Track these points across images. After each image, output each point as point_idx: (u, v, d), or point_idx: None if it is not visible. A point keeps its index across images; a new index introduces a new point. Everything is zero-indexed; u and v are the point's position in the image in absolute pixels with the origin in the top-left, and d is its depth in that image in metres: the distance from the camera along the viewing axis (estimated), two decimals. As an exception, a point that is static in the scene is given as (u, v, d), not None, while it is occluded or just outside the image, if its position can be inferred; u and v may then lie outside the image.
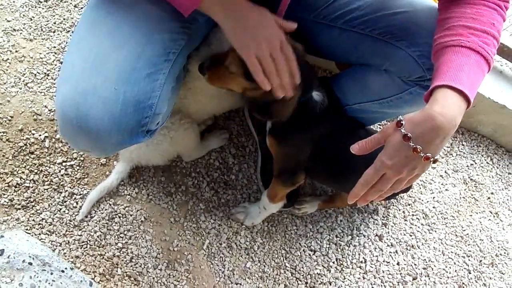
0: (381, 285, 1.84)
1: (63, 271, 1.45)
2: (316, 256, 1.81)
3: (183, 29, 1.29)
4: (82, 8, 1.90)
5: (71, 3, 1.89)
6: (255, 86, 1.26)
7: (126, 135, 1.22)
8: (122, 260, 1.61)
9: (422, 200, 2.01)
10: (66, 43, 1.82)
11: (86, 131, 1.17)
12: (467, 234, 2.01)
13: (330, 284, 1.79)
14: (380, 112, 1.57)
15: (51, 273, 1.44)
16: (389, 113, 1.60)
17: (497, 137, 2.21)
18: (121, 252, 1.62)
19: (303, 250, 1.81)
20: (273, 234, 1.80)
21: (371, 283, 1.83)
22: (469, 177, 2.13)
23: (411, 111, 1.11)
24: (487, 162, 2.20)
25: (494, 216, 2.09)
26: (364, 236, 1.89)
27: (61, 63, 1.79)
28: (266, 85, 1.23)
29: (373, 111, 1.56)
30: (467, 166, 2.15)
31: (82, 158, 1.69)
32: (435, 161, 1.12)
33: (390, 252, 1.90)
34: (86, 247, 1.60)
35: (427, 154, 1.08)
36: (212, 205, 1.78)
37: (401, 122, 1.11)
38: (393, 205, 1.98)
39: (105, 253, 1.61)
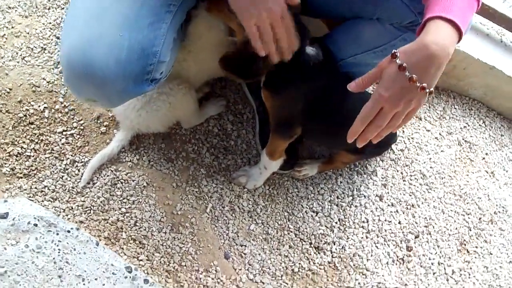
0: (384, 244, 1.85)
1: (68, 231, 1.45)
2: (319, 217, 1.83)
3: None
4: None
5: (64, -20, 1.92)
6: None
7: (131, 82, 1.24)
8: (126, 224, 1.62)
9: (419, 161, 2.04)
10: (62, 19, 1.84)
11: (92, 77, 1.19)
12: (465, 192, 2.04)
13: (334, 244, 1.80)
14: (375, 63, 1.59)
15: (57, 234, 1.44)
16: None
17: (488, 100, 2.25)
18: (125, 216, 1.62)
19: (305, 212, 1.82)
20: (275, 197, 1.82)
21: (374, 242, 1.85)
22: (463, 139, 2.16)
23: None
24: (479, 125, 2.23)
25: (490, 176, 2.12)
26: (364, 196, 1.91)
27: (58, 38, 1.80)
28: (261, 51, 1.25)
29: (367, 63, 1.59)
30: (461, 128, 2.19)
31: (82, 127, 1.70)
32: (430, 93, 1.14)
33: (391, 211, 1.92)
34: (90, 212, 1.61)
35: (423, 84, 1.11)
36: (213, 170, 1.80)
37: (396, 53, 1.13)
38: (391, 167, 2.00)
39: (109, 217, 1.61)
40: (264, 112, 1.79)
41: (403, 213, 1.93)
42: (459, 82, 2.19)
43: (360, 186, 1.93)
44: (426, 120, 2.14)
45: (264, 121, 1.85)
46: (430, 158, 2.06)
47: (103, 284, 1.43)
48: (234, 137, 1.87)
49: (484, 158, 2.15)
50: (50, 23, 1.82)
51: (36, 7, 1.84)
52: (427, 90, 1.12)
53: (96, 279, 1.42)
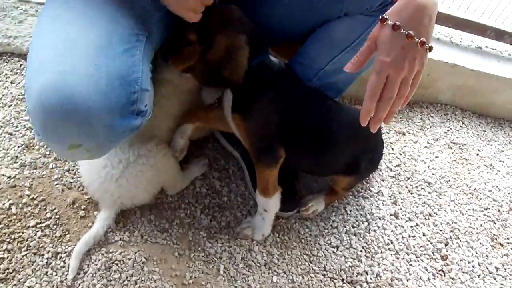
0: (418, 260, 1.67)
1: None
2: (341, 251, 1.63)
3: (141, 21, 1.24)
4: (19, 83, 1.80)
5: (6, 81, 1.78)
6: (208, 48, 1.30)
7: (117, 115, 1.09)
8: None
9: (419, 171, 1.94)
10: (11, 115, 1.68)
11: (73, 114, 1.02)
12: (475, 189, 1.94)
13: (367, 273, 1.60)
14: None
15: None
16: None
17: (458, 101, 2.25)
18: (132, 300, 1.37)
19: (325, 249, 1.63)
20: (288, 242, 1.62)
21: (407, 261, 1.66)
22: (451, 142, 2.10)
23: None
24: (460, 126, 2.20)
25: (490, 168, 2.05)
26: (379, 218, 1.75)
27: (11, 134, 1.63)
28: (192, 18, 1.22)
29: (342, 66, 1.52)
30: (444, 133, 2.14)
31: (57, 216, 1.48)
32: (430, 49, 1.10)
33: (411, 226, 1.76)
34: (89, 304, 1.34)
35: (422, 39, 1.07)
36: (213, 231, 1.59)
37: (385, 17, 1.09)
38: (394, 184, 1.87)
39: (113, 305, 1.35)
40: (249, 158, 1.67)
41: (424, 225, 1.78)
42: (427, 91, 2.18)
43: (371, 209, 1.77)
44: (409, 133, 2.08)
45: (252, 166, 1.71)
46: (428, 166, 1.97)
47: None
48: (225, 193, 1.70)
49: (478, 154, 2.09)
50: (-1, 121, 1.66)
51: (-21, 109, 1.69)
52: (427, 46, 1.08)
53: None
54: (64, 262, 1.40)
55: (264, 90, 1.40)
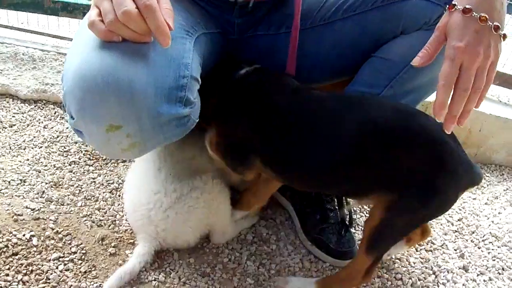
0: (499, 317, 1.42)
1: None
2: (404, 307, 1.40)
3: (192, 24, 1.20)
4: (52, 127, 1.71)
5: (39, 125, 1.70)
6: None
7: (163, 99, 0.98)
8: None
9: (483, 226, 1.73)
10: (41, 155, 1.57)
11: (115, 89, 0.92)
12: (550, 244, 1.71)
13: (443, 331, 1.34)
14: (417, 82, 1.40)
15: None
16: (426, 79, 1.43)
17: (513, 161, 2.10)
18: None
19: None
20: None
21: (487, 318, 1.41)
22: (512, 199, 1.92)
23: None
24: (519, 185, 2.02)
25: (562, 225, 1.83)
26: (447, 271, 1.52)
27: (39, 171, 1.51)
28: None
29: (408, 87, 1.40)
30: (504, 190, 1.95)
31: (83, 251, 1.29)
32: (504, 37, 1.03)
33: (484, 280, 1.52)
34: None
35: (495, 23, 0.99)
36: (262, 278, 1.37)
37: (453, 3, 1.03)
38: (458, 238, 1.66)
39: None
40: (300, 201, 1.52)
41: (498, 279, 1.53)
42: (479, 149, 2.04)
43: (436, 261, 1.55)
44: (466, 192, 1.90)
45: (302, 213, 1.54)
46: (493, 221, 1.76)
47: None
48: (273, 241, 1.50)
49: (544, 211, 1.89)
50: (27, 159, 1.55)
51: (10, 148, 1.58)
52: (501, 33, 1.00)
53: None
54: (89, 300, 1.19)
55: (235, 99, 1.26)
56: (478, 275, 1.54)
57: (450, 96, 0.98)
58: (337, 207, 1.53)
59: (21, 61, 1.93)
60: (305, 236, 1.51)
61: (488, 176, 2.03)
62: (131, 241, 1.36)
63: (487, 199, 1.89)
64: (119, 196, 1.50)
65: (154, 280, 1.27)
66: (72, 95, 0.95)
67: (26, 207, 1.37)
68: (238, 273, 1.36)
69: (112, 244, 1.34)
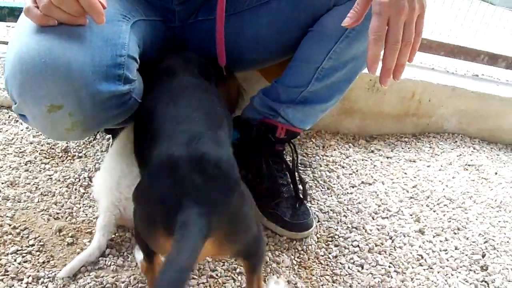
0: (455, 273, 1.46)
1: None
2: (367, 269, 1.43)
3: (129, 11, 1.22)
4: (6, 131, 1.71)
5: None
6: None
7: (101, 76, 1.00)
8: (132, 330, 1.13)
9: (438, 191, 1.79)
10: None
11: (53, 69, 0.94)
12: (501, 202, 1.78)
13: (401, 288, 1.39)
14: (354, 52, 1.44)
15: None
16: (363, 49, 1.46)
17: (465, 128, 2.16)
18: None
19: (349, 267, 1.43)
20: (306, 263, 1.42)
21: (443, 274, 1.45)
22: (466, 164, 1.98)
23: None
24: (472, 151, 2.09)
25: (513, 185, 1.90)
26: (404, 235, 1.57)
27: None
28: None
29: (346, 57, 1.44)
30: (457, 156, 2.02)
31: (41, 243, 1.30)
32: None
33: (440, 240, 1.57)
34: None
35: None
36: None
37: None
38: (413, 204, 1.71)
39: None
40: (253, 180, 1.55)
41: (454, 239, 1.59)
42: (431, 119, 2.10)
43: (393, 227, 1.60)
44: (420, 160, 1.96)
45: (256, 189, 1.57)
46: (447, 185, 1.82)
47: None
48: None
49: (497, 173, 1.96)
50: (-19, 162, 1.55)
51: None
52: None
53: None
54: (47, 287, 1.20)
55: None
56: (434, 236, 1.59)
57: (383, 51, 1.02)
58: (290, 181, 1.57)
59: (-30, 66, 1.93)
60: (260, 212, 1.54)
61: (441, 144, 2.09)
62: (89, 230, 1.38)
63: (441, 166, 1.95)
64: (76, 190, 1.51)
65: (113, 264, 1.29)
66: (13, 79, 0.96)
67: (-21, 206, 1.38)
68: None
69: (70, 235, 1.35)
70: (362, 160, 1.91)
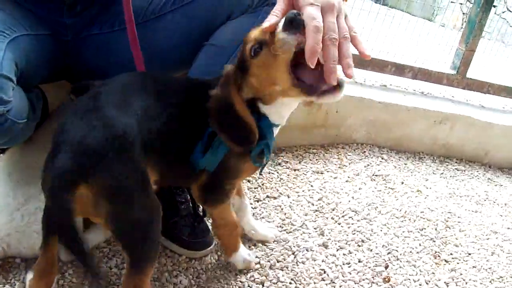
0: (357, 286, 1.45)
1: None
2: (267, 287, 1.39)
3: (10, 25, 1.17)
4: None
5: None
6: None
7: None
8: None
9: (343, 203, 1.78)
10: None
11: None
12: (406, 211, 1.79)
13: (301, 306, 1.35)
14: None
15: None
16: None
17: (374, 138, 2.19)
18: None
19: (249, 285, 1.38)
20: (204, 284, 1.37)
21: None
22: (373, 174, 1.99)
23: None
24: (380, 161, 2.11)
25: (418, 193, 1.94)
26: (306, 250, 1.54)
27: None
28: None
29: None
30: (364, 167, 2.03)
31: None
32: None
33: (343, 254, 1.56)
34: None
35: None
36: (115, 277, 1.32)
37: None
38: (318, 216, 1.70)
39: None
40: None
41: (358, 251, 1.58)
42: (339, 130, 2.11)
43: (296, 241, 1.57)
44: (327, 171, 1.96)
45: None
46: (353, 197, 1.82)
47: None
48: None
49: (403, 183, 1.98)
50: None
51: None
52: None
53: None
54: None
55: None
56: (337, 249, 1.58)
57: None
58: (189, 198, 1.51)
59: None
60: None
61: (350, 155, 2.10)
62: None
63: (348, 177, 1.95)
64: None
65: (-7, 292, 1.19)
66: None
67: None
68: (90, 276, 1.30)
69: None
70: (269, 173, 1.88)
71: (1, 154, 1.44)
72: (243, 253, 1.42)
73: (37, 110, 1.30)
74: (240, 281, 1.39)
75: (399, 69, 2.23)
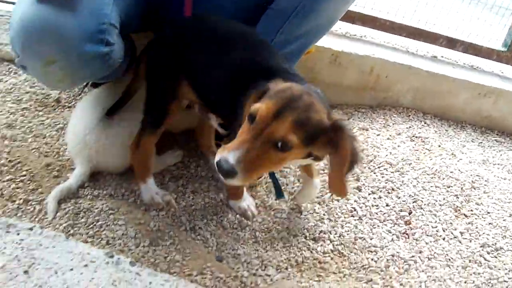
0: (381, 225, 1.72)
1: (31, 229, 1.25)
2: (304, 215, 1.69)
3: None
4: (7, 81, 1.97)
5: None
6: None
7: (87, 39, 1.28)
8: (97, 245, 1.40)
9: (381, 156, 2.04)
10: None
11: (48, 32, 1.23)
12: (437, 170, 2.02)
13: (331, 233, 1.64)
14: (304, 28, 1.67)
15: (18, 234, 1.24)
16: (313, 25, 1.68)
17: (419, 104, 2.39)
18: (94, 238, 1.42)
19: (288, 213, 1.69)
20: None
21: (370, 225, 1.71)
22: (413, 136, 2.22)
23: None
24: (422, 125, 2.33)
25: (452, 156, 2.14)
26: (343, 190, 1.82)
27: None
28: None
29: (297, 33, 1.67)
30: (406, 128, 2.26)
31: (32, 175, 1.57)
32: None
33: (374, 198, 1.83)
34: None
35: None
36: (180, 194, 1.66)
37: None
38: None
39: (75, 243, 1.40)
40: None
41: (387, 197, 1.84)
42: (387, 94, 2.33)
43: (335, 183, 1.85)
44: (372, 129, 2.21)
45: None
46: (390, 152, 2.07)
47: (81, 273, 1.19)
48: (193, 167, 1.80)
49: (440, 146, 2.20)
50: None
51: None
52: None
53: (71, 269, 1.18)
54: (34, 208, 1.47)
55: None
56: (369, 194, 1.85)
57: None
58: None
59: (-24, 24, 2.17)
60: None
61: (395, 117, 2.33)
62: (72, 167, 1.64)
63: (390, 135, 2.19)
64: (64, 134, 1.77)
65: (89, 194, 1.56)
66: (17, 37, 1.25)
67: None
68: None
69: (56, 169, 1.62)
70: (320, 126, 2.15)
71: (94, 89, 1.79)
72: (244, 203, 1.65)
73: (129, 54, 1.63)
74: (282, 208, 1.70)
75: (450, 42, 2.39)
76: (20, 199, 1.48)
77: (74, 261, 1.21)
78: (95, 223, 1.46)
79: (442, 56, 2.49)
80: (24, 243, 1.21)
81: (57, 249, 1.22)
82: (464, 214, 1.85)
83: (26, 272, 1.15)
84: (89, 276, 1.20)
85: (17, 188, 1.52)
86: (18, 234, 1.23)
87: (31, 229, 1.25)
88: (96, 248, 1.30)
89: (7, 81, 1.98)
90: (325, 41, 2.14)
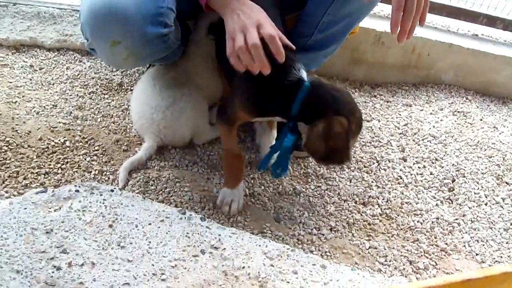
0: (426, 191, 1.82)
1: (112, 191, 1.41)
2: (354, 182, 1.81)
3: None
4: (73, 68, 2.16)
5: (63, 67, 2.14)
6: None
7: (148, 22, 1.41)
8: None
9: (424, 129, 2.13)
10: (66, 88, 2.01)
11: (114, 17, 1.35)
12: (479, 142, 2.10)
13: (378, 198, 1.76)
14: (348, 9, 1.78)
15: (101, 194, 1.41)
16: (356, 6, 1.78)
17: (461, 81, 2.46)
18: (164, 202, 1.57)
19: (339, 180, 1.81)
20: (306, 176, 1.81)
21: (415, 191, 1.82)
22: (455, 111, 2.30)
23: None
24: (464, 101, 2.40)
25: (494, 129, 2.22)
26: (389, 161, 1.93)
27: (66, 99, 1.95)
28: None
29: (342, 13, 1.78)
30: (449, 104, 2.34)
31: (104, 149, 1.74)
32: None
33: (419, 167, 1.93)
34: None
35: None
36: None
37: None
38: (402, 138, 2.07)
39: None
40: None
41: (431, 166, 1.94)
42: (430, 71, 2.41)
43: (381, 154, 1.96)
44: (415, 105, 2.30)
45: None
46: (433, 126, 2.16)
47: (158, 227, 1.34)
48: (249, 140, 1.93)
49: (482, 119, 2.27)
50: (56, 92, 1.98)
51: (42, 84, 2.02)
52: None
53: (150, 223, 1.34)
54: (108, 178, 1.64)
55: None
56: (414, 163, 1.95)
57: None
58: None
59: (43, 18, 2.36)
60: None
61: (437, 94, 2.41)
62: (139, 142, 1.80)
63: (433, 110, 2.28)
64: (129, 113, 1.94)
65: (157, 166, 1.72)
66: (87, 23, 1.39)
67: (59, 122, 1.82)
68: (219, 166, 1.80)
69: (125, 144, 1.78)
70: (365, 102, 2.26)
71: (150, 68, 1.93)
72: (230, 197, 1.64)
73: (184, 38, 1.77)
74: (333, 177, 1.82)
75: (490, 21, 2.45)
76: (96, 170, 1.66)
77: (152, 217, 1.36)
78: (163, 190, 1.62)
79: (482, 34, 2.55)
80: (107, 202, 1.37)
81: (136, 207, 1.38)
82: (506, 182, 1.93)
83: (110, 226, 1.31)
84: (166, 229, 1.35)
85: (92, 160, 1.69)
86: (101, 195, 1.39)
87: (112, 190, 1.41)
88: (170, 207, 1.45)
89: (73, 68, 2.15)
90: (369, 22, 2.24)
